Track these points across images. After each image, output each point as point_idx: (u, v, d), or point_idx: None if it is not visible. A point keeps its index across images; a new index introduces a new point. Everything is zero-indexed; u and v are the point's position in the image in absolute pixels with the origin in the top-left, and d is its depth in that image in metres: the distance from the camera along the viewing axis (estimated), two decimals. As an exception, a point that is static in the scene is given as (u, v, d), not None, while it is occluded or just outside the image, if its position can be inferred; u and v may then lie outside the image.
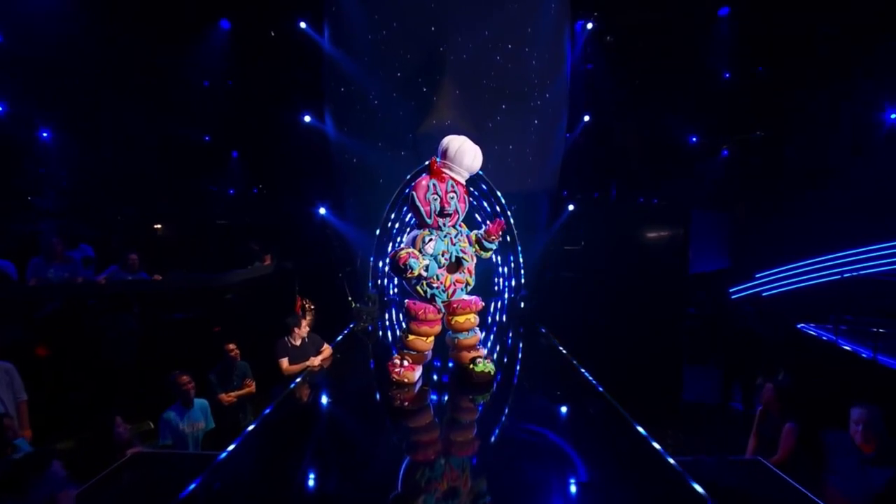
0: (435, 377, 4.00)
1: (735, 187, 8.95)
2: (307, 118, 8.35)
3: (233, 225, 9.30)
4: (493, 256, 4.75)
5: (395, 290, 7.48)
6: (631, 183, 9.41)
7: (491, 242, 3.75)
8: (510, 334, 6.07)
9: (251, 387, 4.36)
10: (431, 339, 3.88)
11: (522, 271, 7.88)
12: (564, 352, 4.99)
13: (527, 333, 6.00)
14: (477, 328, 3.97)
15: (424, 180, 3.61)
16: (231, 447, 2.84)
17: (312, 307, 10.62)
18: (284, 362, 4.67)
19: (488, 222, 3.77)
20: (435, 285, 3.68)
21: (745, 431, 4.72)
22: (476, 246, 3.84)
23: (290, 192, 9.30)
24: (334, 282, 8.32)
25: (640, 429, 2.98)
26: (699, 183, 9.08)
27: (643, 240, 8.19)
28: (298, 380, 4.15)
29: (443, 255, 3.63)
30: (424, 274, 3.61)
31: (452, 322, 3.86)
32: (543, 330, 6.07)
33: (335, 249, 8.47)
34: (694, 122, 9.23)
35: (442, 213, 3.56)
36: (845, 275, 6.40)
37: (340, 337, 5.56)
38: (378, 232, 7.44)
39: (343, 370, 4.68)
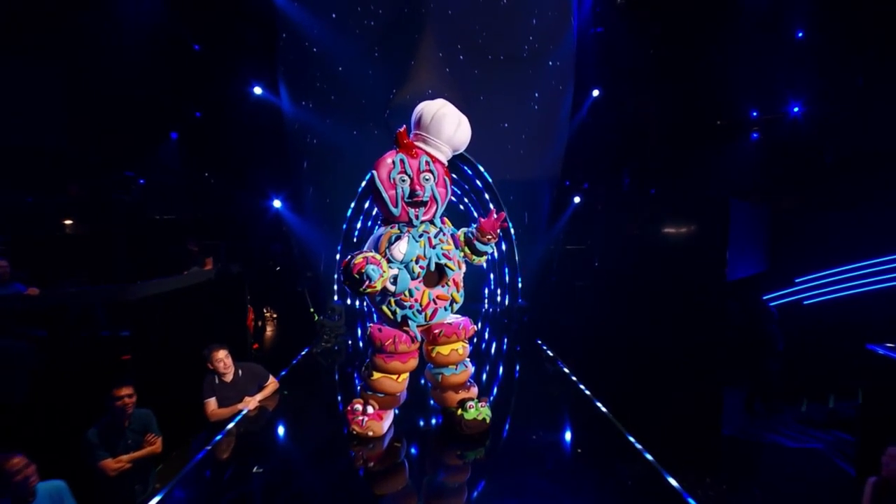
0: (408, 429, 3.55)
1: (767, 175, 8.54)
2: (258, 90, 7.77)
3: (168, 221, 8.70)
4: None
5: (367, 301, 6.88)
6: (647, 170, 8.99)
7: (486, 243, 3.20)
8: (505, 356, 5.83)
9: (155, 444, 3.55)
10: (405, 377, 3.34)
11: (520, 277, 7.76)
12: (576, 380, 4.57)
13: (528, 356, 5.73)
14: (467, 361, 3.45)
15: (390, 156, 3.02)
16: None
17: (275, 316, 10.09)
18: (211, 404, 3.96)
19: (480, 218, 3.21)
20: (407, 304, 3.08)
21: (800, 479, 4.14)
22: (465, 249, 3.27)
23: (239, 180, 8.71)
24: (294, 289, 7.95)
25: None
26: (726, 171, 8.69)
27: (668, 238, 7.76)
28: (225, 430, 3.61)
29: (417, 262, 3.02)
30: (391, 288, 3.00)
31: (434, 354, 3.32)
32: (547, 350, 5.68)
33: (294, 250, 8.10)
34: (720, 98, 8.75)
35: (413, 201, 2.98)
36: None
37: (285, 369, 5.11)
38: (345, 228, 7.23)
39: (290, 414, 4.05)
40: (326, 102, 7.33)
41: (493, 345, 6.47)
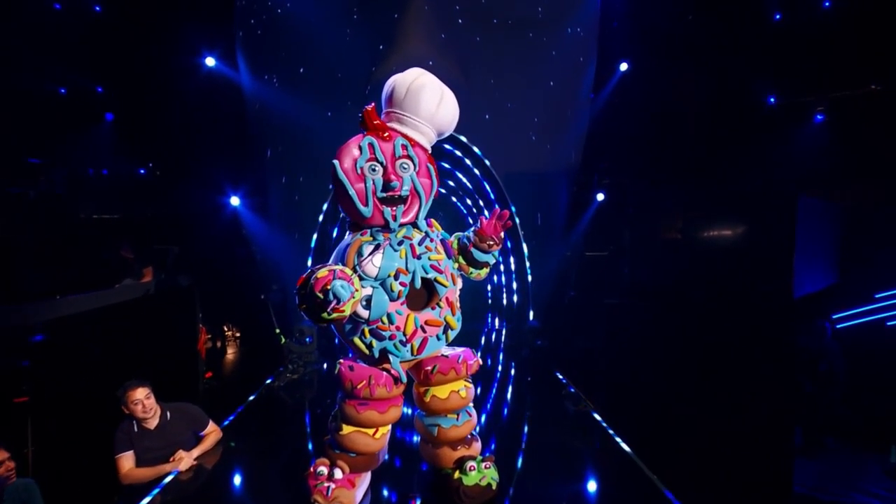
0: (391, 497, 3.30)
1: (836, 166, 8.22)
2: (210, 62, 7.59)
3: (97, 221, 8.45)
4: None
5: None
6: (688, 159, 8.71)
7: (486, 251, 2.96)
8: (514, 393, 5.74)
9: (40, 526, 3.17)
10: (384, 431, 3.05)
11: (531, 290, 7.76)
12: (606, 425, 4.39)
13: (543, 393, 5.66)
14: (471, 407, 3.20)
15: (355, 141, 2.79)
16: None
17: (237, 335, 9.96)
18: (125, 461, 3.58)
19: (481, 218, 2.99)
20: (387, 333, 2.81)
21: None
22: (460, 258, 3.03)
23: (188, 172, 8.54)
24: (256, 306, 7.91)
25: None
26: (786, 160, 8.38)
27: (717, 244, 7.75)
28: (147, 499, 3.27)
29: (397, 279, 2.76)
30: (364, 314, 2.74)
31: (428, 398, 3.06)
32: (568, 385, 5.59)
33: (255, 258, 7.97)
34: (777, 72, 8.54)
35: (388, 196, 2.74)
36: None
37: (240, 407, 4.92)
38: (316, 235, 7.27)
39: (236, 477, 3.78)
40: (295, 76, 7.21)
41: (497, 377, 6.30)
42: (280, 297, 7.78)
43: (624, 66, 8.39)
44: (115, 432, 3.63)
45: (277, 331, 7.43)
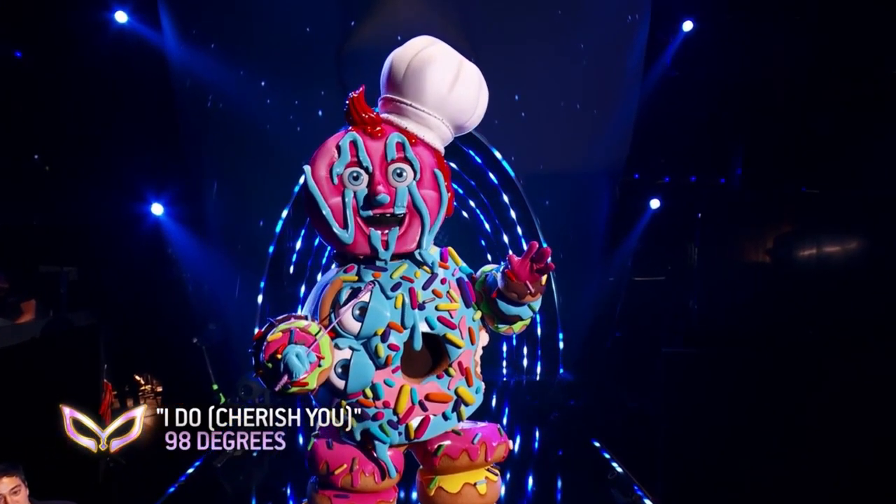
0: None
1: None
2: (122, 17, 7.70)
3: None
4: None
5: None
6: (776, 154, 8.85)
7: (518, 302, 2.83)
8: (536, 467, 6.08)
9: None
10: None
11: (561, 331, 8.05)
12: None
13: (578, 471, 5.93)
14: None
15: (335, 139, 2.78)
16: None
17: (158, 391, 10.07)
18: None
19: (509, 255, 2.83)
20: (371, 411, 2.80)
21: None
22: (482, 307, 2.98)
23: (91, 170, 8.58)
24: (186, 352, 8.13)
25: None
26: None
27: (823, 266, 7.92)
28: None
29: (385, 340, 2.73)
30: (339, 384, 2.73)
31: (431, 492, 3.03)
32: (612, 461, 5.79)
33: (185, 286, 8.25)
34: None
35: (374, 214, 2.73)
36: None
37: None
38: (271, 251, 7.47)
39: None
40: (241, 42, 7.36)
41: (517, 446, 6.45)
42: (219, 339, 7.95)
43: (688, 26, 8.40)
44: None
45: (215, 387, 7.60)
